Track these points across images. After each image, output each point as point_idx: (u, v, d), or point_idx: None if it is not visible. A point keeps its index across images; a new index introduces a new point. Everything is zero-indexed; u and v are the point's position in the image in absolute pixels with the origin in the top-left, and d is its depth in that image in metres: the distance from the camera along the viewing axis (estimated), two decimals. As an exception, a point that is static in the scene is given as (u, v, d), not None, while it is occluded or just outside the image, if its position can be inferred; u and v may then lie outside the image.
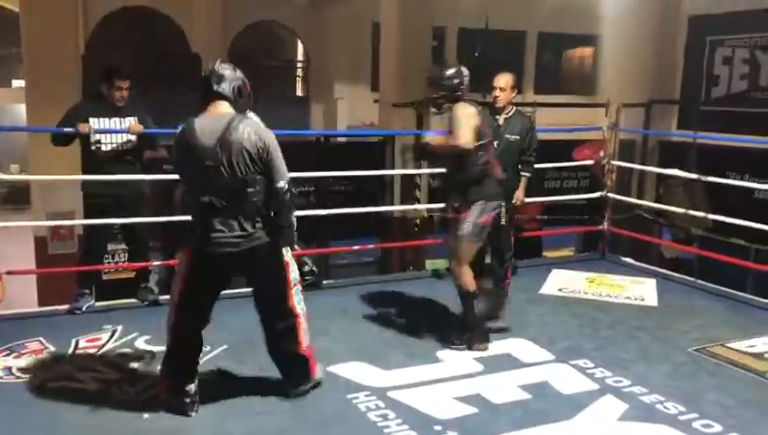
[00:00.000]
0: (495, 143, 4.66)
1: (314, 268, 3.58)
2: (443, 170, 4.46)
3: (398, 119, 8.70)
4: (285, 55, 14.56)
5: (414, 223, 8.90)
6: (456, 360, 3.91)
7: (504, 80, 4.81)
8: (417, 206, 8.22)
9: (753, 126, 6.45)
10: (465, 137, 3.90)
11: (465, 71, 4.10)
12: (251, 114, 3.26)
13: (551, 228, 9.34)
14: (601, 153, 6.24)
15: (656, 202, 6.98)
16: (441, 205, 5.24)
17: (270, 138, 3.16)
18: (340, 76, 12.96)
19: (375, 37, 10.30)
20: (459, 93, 4.05)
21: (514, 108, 4.92)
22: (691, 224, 7.03)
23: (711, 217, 5.78)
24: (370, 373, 3.69)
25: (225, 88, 3.16)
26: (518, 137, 4.83)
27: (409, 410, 3.31)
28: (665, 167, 6.74)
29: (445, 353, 3.97)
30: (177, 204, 5.97)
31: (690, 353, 4.08)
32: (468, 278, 4.02)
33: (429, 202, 7.80)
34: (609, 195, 6.26)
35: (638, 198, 7.07)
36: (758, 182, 6.44)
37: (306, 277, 3.48)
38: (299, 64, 14.51)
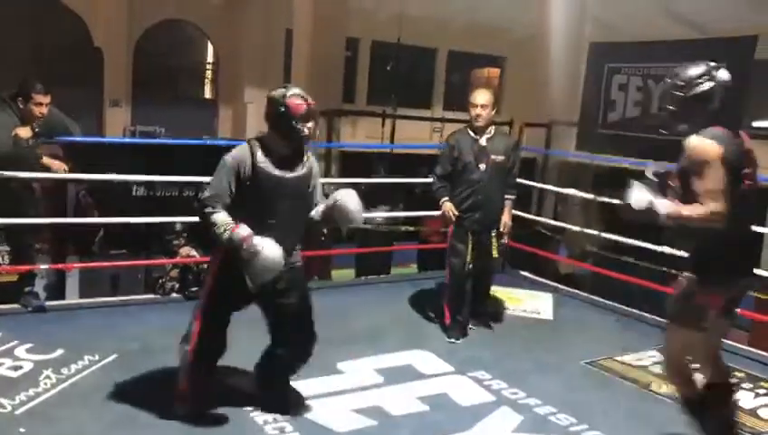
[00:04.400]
0: (482, 166, 4.49)
1: None
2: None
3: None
4: (194, 56, 14.14)
5: (321, 232, 8.81)
6: (356, 372, 3.88)
7: (485, 97, 4.49)
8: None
9: (644, 150, 6.79)
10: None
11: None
12: None
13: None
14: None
15: (554, 219, 7.21)
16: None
17: None
18: (251, 80, 12.71)
19: (288, 43, 10.18)
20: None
21: (494, 127, 4.60)
22: (586, 241, 7.32)
23: (604, 235, 6.03)
24: (269, 385, 3.59)
25: None
26: (503, 157, 4.52)
27: (307, 423, 3.26)
28: (563, 186, 6.97)
29: (345, 365, 3.93)
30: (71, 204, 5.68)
31: (582, 366, 4.23)
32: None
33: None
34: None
35: (538, 214, 7.29)
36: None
37: None
38: (208, 66, 14.15)
